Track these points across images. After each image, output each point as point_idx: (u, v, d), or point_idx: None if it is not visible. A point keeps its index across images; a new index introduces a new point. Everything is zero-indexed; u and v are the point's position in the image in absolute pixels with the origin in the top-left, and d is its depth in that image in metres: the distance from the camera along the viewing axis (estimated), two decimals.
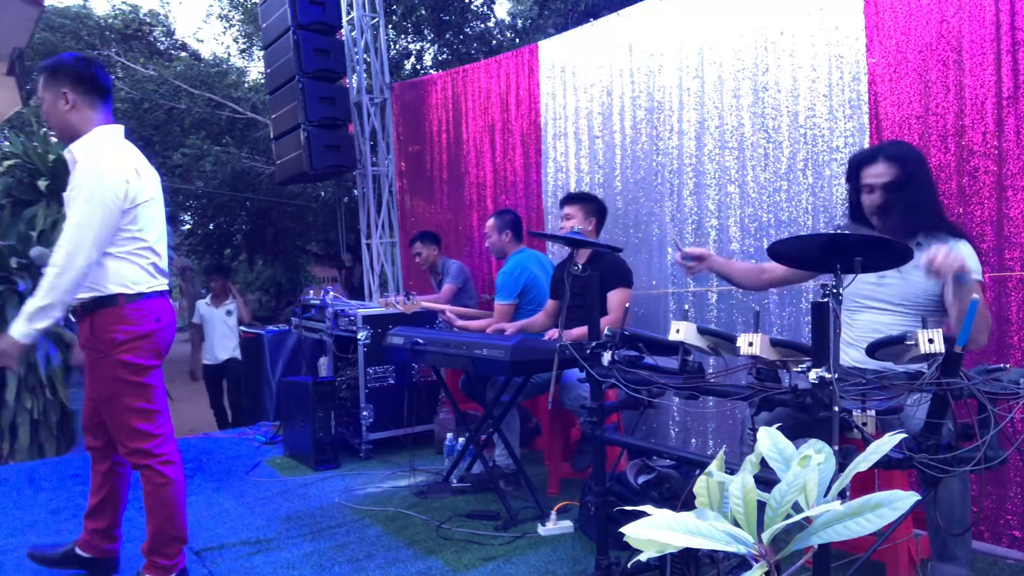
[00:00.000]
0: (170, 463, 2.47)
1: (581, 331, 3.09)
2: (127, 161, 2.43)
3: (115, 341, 2.38)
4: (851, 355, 2.39)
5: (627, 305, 2.46)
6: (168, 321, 2.55)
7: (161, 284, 2.53)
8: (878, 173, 2.37)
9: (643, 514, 0.83)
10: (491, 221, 4.27)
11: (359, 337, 4.17)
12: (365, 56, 6.27)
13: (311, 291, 5.23)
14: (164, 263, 2.55)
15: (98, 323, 2.39)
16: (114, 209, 2.35)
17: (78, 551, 2.65)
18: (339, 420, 4.16)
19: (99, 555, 2.65)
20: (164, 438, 2.47)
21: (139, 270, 2.45)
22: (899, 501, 0.77)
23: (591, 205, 3.66)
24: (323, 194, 13.47)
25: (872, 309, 2.41)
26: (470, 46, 11.48)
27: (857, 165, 2.45)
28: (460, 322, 4.21)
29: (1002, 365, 1.71)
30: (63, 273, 2.27)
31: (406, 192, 6.20)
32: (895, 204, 2.34)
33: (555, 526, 2.97)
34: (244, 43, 14.83)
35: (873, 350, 1.87)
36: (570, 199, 3.72)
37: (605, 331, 2.29)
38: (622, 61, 4.22)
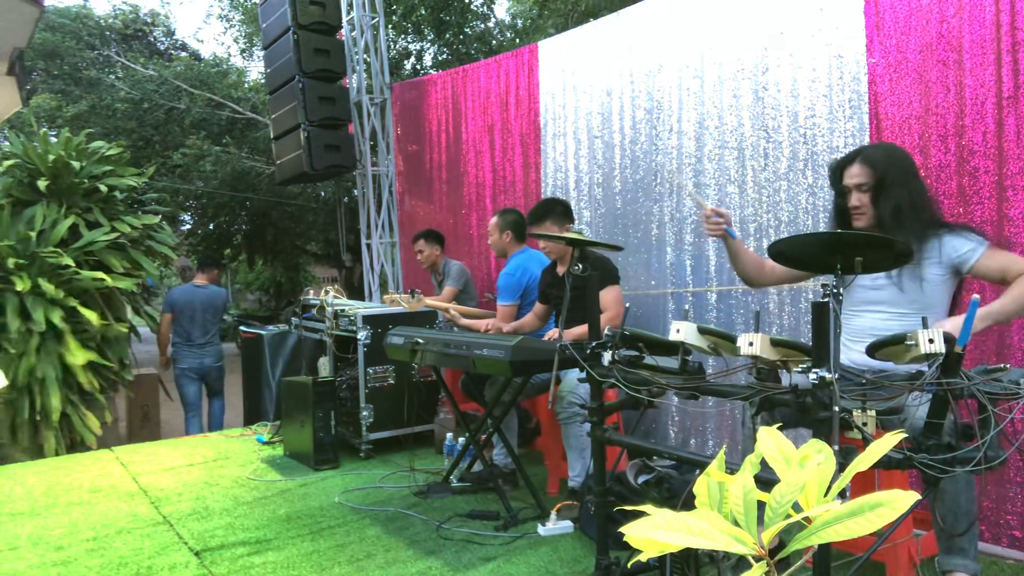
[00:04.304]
0: None
1: (581, 330, 3.09)
2: None
3: None
4: (850, 355, 2.38)
5: (627, 306, 2.45)
6: None
7: None
8: (853, 174, 2.38)
9: (643, 514, 0.82)
10: (493, 220, 4.26)
11: (359, 337, 4.17)
12: (365, 56, 6.27)
13: (311, 291, 5.22)
14: None
15: None
16: None
17: None
18: (339, 420, 4.16)
19: None
20: None
21: None
22: (899, 501, 0.77)
23: (555, 213, 3.65)
24: (323, 194, 13.48)
25: (869, 312, 2.40)
26: (470, 46, 11.49)
27: (840, 167, 2.45)
28: (464, 321, 4.21)
29: (1002, 365, 1.71)
30: None
31: (406, 192, 6.20)
32: (877, 208, 2.34)
33: (555, 526, 2.97)
34: (244, 43, 14.84)
35: (873, 350, 1.87)
36: (533, 222, 3.67)
37: (605, 331, 2.28)
38: (622, 61, 4.21)
